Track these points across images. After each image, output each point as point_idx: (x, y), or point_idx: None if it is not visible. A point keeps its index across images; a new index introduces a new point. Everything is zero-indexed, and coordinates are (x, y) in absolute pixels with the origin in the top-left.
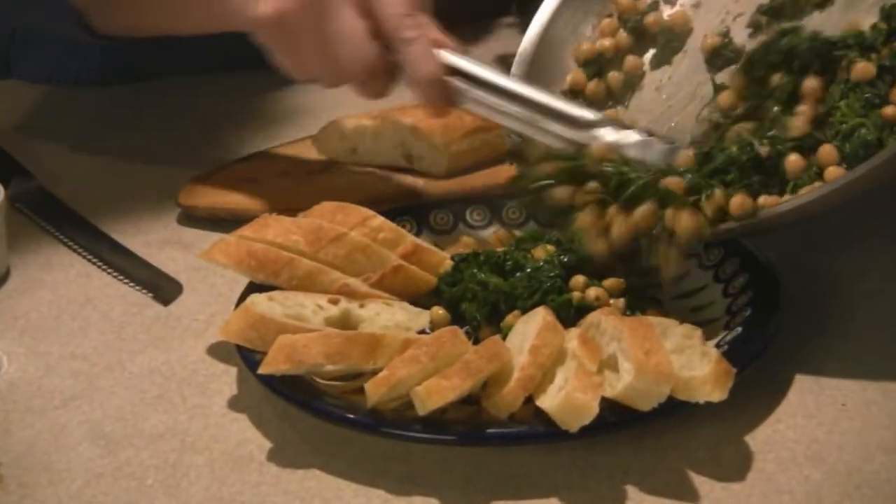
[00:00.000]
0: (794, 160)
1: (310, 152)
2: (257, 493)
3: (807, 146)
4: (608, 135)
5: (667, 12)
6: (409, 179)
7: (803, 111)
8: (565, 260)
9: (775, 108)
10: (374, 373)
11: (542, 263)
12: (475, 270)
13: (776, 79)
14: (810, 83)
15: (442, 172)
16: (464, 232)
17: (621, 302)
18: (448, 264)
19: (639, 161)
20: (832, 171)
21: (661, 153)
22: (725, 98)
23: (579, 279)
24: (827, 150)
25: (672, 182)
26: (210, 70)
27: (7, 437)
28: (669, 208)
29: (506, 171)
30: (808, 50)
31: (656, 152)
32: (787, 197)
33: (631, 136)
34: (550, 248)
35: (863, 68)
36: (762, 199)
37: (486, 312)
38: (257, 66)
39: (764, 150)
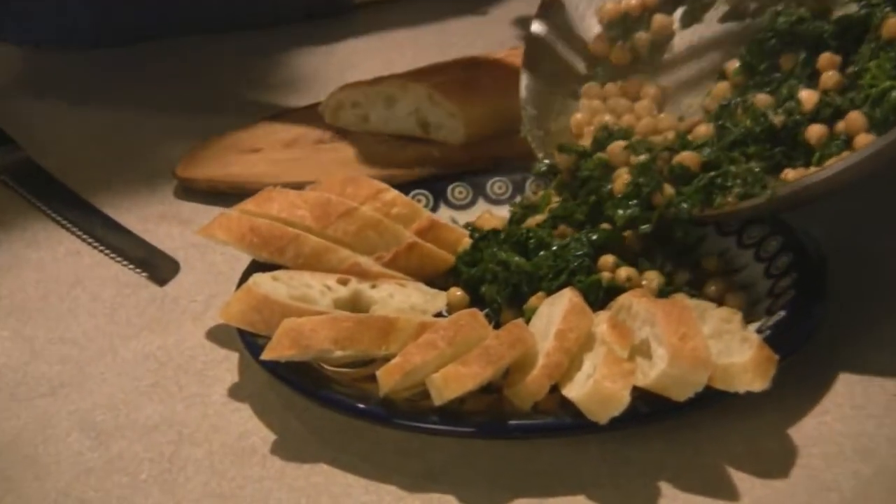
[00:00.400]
0: (816, 129)
1: (318, 120)
2: (260, 488)
3: (826, 116)
4: None
5: None
6: (425, 149)
7: (823, 80)
8: (594, 238)
9: (791, 82)
10: (387, 359)
11: (568, 241)
12: (495, 249)
13: (787, 61)
14: (826, 56)
15: (460, 141)
16: (484, 206)
17: (655, 283)
18: (467, 242)
19: None
20: (862, 139)
21: None
22: (721, 89)
23: (609, 259)
24: (854, 117)
25: (687, 157)
26: (211, 31)
27: None
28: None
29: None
30: (811, 24)
31: None
32: (813, 169)
33: None
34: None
35: (895, 24)
36: (787, 173)
37: (507, 294)
38: (261, 27)
39: (778, 119)
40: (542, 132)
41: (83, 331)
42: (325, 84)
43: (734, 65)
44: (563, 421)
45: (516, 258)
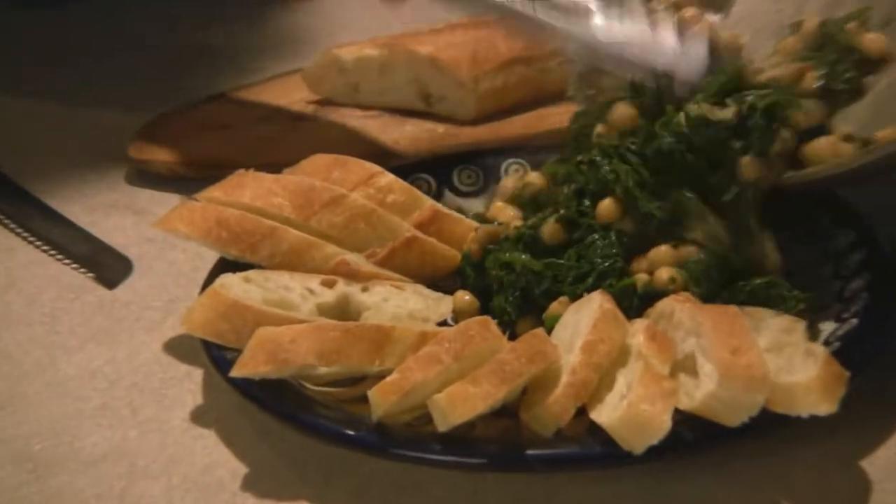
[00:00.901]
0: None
1: (299, 90)
2: None
3: None
4: (601, 27)
5: None
6: (427, 126)
7: None
8: (625, 239)
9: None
10: (382, 376)
11: (594, 239)
12: (498, 251)
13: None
14: None
15: (469, 116)
16: (497, 193)
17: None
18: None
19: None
20: None
21: (683, 58)
22: (790, 44)
23: (644, 259)
24: None
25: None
26: None
27: None
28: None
29: (551, 115)
30: None
31: (675, 56)
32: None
33: (634, 29)
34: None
35: None
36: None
37: (516, 301)
38: None
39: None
40: (594, 91)
41: (17, 342)
42: (308, 47)
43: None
44: (591, 450)
45: (522, 257)
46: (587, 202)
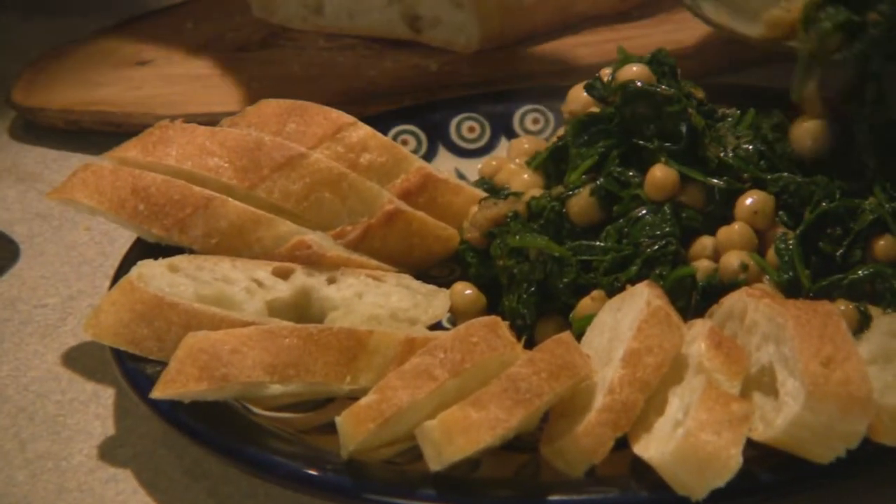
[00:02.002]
0: None
1: (242, 13)
2: None
3: None
4: None
5: None
6: (415, 60)
7: None
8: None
9: None
10: (355, 398)
11: (643, 214)
12: (507, 233)
13: None
14: None
15: (471, 47)
16: (510, 151)
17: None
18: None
19: None
20: None
21: None
22: None
23: (707, 240)
24: None
25: None
26: None
27: None
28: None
29: (584, 46)
30: None
31: None
32: None
33: None
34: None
35: None
36: None
37: (533, 300)
38: None
39: None
40: None
41: None
42: None
43: None
44: (634, 496)
45: (538, 239)
46: (632, 171)
